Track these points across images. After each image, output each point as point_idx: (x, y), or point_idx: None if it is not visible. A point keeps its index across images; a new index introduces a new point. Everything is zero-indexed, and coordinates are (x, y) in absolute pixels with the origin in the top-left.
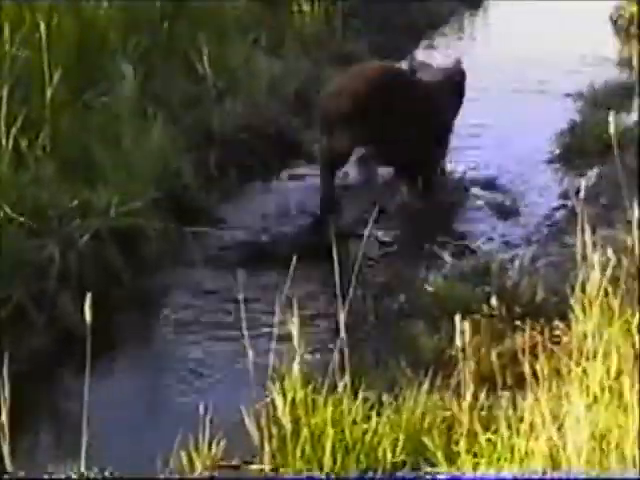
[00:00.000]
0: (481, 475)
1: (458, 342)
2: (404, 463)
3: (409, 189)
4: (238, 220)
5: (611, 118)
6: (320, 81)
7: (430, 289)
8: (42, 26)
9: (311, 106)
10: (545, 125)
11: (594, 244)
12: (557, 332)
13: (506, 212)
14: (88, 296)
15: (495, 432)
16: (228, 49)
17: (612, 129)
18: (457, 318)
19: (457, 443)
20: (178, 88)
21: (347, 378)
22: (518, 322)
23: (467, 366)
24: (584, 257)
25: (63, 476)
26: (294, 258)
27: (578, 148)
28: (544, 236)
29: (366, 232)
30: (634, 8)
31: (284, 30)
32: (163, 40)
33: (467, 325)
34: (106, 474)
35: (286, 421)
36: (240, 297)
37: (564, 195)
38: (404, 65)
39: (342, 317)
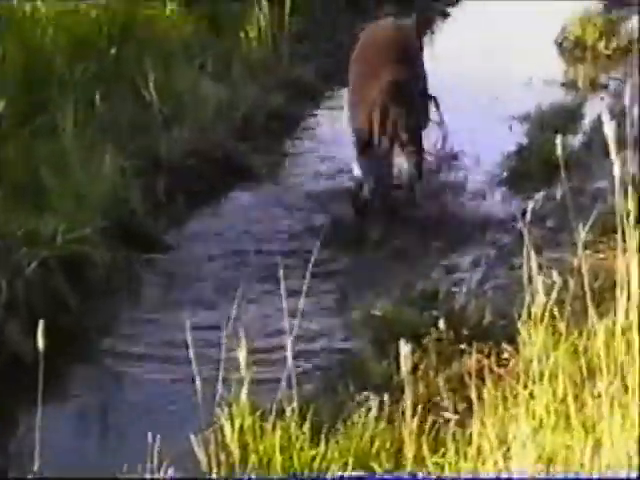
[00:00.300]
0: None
1: (403, 367)
2: None
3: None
4: (187, 245)
5: (558, 141)
6: (267, 106)
7: (378, 313)
8: None
9: (258, 131)
10: (493, 147)
11: (540, 267)
12: (505, 355)
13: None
14: (41, 323)
15: (443, 456)
16: (175, 75)
17: (559, 151)
18: (402, 343)
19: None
20: (126, 114)
21: (295, 404)
22: (466, 345)
23: (412, 390)
24: (530, 280)
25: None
26: (240, 288)
27: (525, 171)
28: (492, 259)
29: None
30: (579, 31)
31: (231, 55)
32: (110, 67)
33: (412, 349)
34: None
35: (234, 447)
36: (187, 324)
37: (511, 217)
38: None
39: (289, 342)
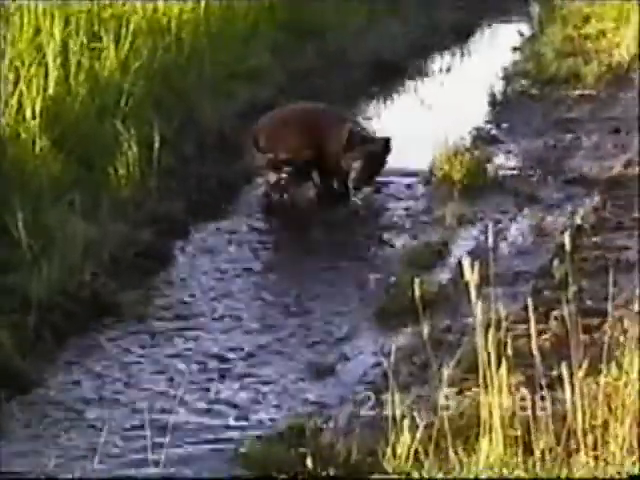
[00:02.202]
0: None
1: None
2: None
3: None
4: (56, 383)
5: (416, 283)
6: (136, 243)
7: (244, 450)
8: None
9: (127, 268)
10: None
11: (407, 404)
12: None
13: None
14: None
15: None
16: (44, 212)
17: (417, 293)
18: None
19: None
20: None
21: None
22: None
23: None
24: (395, 419)
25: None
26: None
27: (393, 308)
28: (360, 395)
29: None
30: (447, 167)
31: (100, 192)
32: None
33: None
34: None
35: None
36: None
37: (379, 354)
38: None
39: None
